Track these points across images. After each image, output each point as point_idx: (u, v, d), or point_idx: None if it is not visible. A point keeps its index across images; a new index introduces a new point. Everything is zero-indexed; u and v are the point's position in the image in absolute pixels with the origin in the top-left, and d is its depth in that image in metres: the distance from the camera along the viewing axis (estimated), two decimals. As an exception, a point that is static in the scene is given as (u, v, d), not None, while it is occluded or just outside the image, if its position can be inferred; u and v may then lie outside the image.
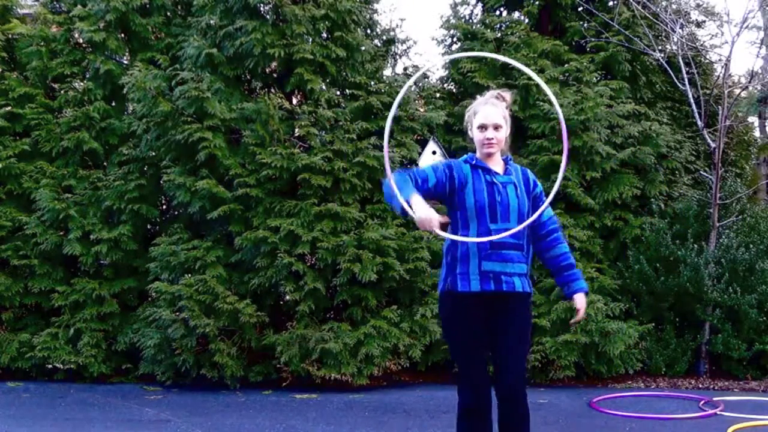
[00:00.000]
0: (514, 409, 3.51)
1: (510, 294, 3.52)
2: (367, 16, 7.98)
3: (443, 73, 9.21)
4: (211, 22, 7.44)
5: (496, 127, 3.55)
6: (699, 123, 8.10)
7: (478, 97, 3.76)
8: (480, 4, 9.38)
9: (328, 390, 6.85)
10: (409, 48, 8.58)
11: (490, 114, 3.55)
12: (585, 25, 8.91)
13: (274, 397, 6.74)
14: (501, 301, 3.53)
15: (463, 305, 3.52)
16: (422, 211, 3.26)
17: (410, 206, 3.32)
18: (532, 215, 3.54)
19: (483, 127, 3.55)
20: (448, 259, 3.57)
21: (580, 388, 7.16)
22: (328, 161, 7.05)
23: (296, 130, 7.37)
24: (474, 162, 3.59)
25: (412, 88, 8.40)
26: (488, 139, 3.53)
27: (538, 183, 3.73)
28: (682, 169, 8.57)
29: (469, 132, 3.66)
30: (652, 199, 8.06)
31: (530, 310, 3.75)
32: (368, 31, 8.23)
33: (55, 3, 8.28)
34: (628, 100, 8.25)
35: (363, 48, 7.62)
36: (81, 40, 7.93)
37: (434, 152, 7.94)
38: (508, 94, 3.69)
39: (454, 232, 3.53)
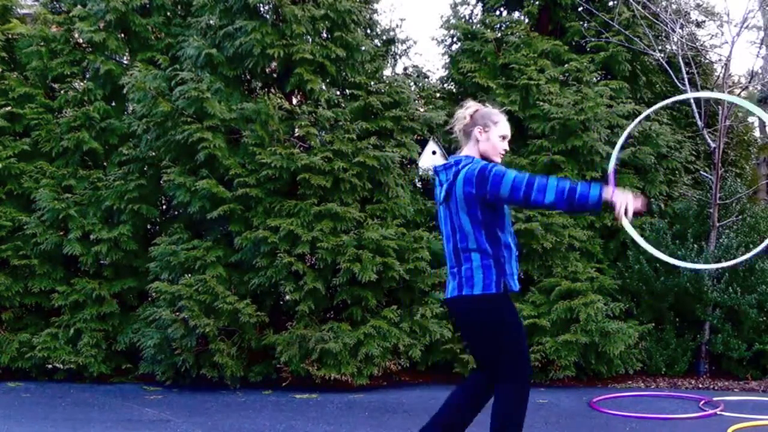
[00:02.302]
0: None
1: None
2: (367, 16, 7.97)
3: (443, 73, 9.22)
4: (211, 22, 7.44)
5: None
6: (699, 123, 8.10)
7: (486, 105, 3.96)
8: (480, 4, 9.38)
9: (328, 390, 6.85)
10: (409, 48, 8.58)
11: (509, 129, 3.85)
12: (585, 25, 8.91)
13: (274, 397, 6.74)
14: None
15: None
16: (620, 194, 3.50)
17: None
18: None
19: (504, 138, 3.81)
20: (499, 259, 3.64)
21: (580, 388, 7.16)
22: (328, 161, 7.05)
23: (296, 130, 7.37)
24: None
25: (412, 88, 8.40)
26: (505, 149, 3.84)
27: None
28: (682, 169, 8.57)
29: (481, 132, 3.76)
30: (652, 199, 8.06)
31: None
32: (368, 31, 8.23)
33: (55, 3, 8.28)
34: (628, 100, 8.24)
35: (363, 48, 7.62)
36: (81, 40, 7.93)
37: (434, 152, 7.94)
38: None
39: (489, 239, 3.63)
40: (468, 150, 3.79)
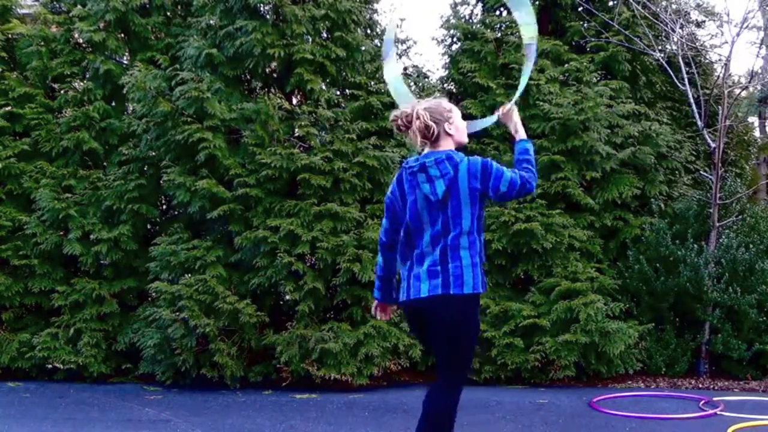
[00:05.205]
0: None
1: None
2: (367, 16, 7.98)
3: (443, 73, 9.22)
4: (211, 22, 7.44)
5: None
6: (699, 123, 8.10)
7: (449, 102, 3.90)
8: (480, 4, 9.38)
9: (328, 390, 6.85)
10: (409, 48, 8.61)
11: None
12: (585, 25, 8.91)
13: (274, 397, 6.74)
14: None
15: None
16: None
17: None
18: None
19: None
20: (477, 258, 3.56)
21: (580, 388, 7.16)
22: (328, 161, 7.05)
23: (296, 130, 7.37)
24: None
25: (412, 88, 8.40)
26: None
27: None
28: (682, 169, 8.57)
29: (449, 125, 3.74)
30: (652, 199, 8.05)
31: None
32: (368, 31, 8.24)
33: (55, 3, 8.29)
34: (628, 100, 8.24)
35: (363, 48, 7.62)
36: (81, 40, 7.94)
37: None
38: None
39: (478, 235, 3.61)
40: (444, 146, 3.72)
